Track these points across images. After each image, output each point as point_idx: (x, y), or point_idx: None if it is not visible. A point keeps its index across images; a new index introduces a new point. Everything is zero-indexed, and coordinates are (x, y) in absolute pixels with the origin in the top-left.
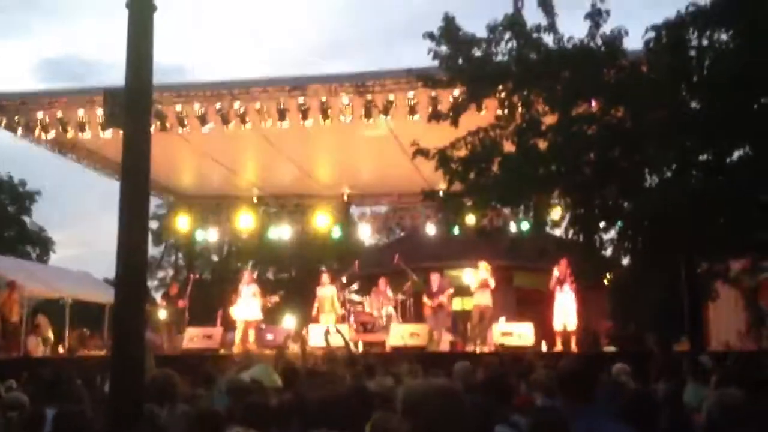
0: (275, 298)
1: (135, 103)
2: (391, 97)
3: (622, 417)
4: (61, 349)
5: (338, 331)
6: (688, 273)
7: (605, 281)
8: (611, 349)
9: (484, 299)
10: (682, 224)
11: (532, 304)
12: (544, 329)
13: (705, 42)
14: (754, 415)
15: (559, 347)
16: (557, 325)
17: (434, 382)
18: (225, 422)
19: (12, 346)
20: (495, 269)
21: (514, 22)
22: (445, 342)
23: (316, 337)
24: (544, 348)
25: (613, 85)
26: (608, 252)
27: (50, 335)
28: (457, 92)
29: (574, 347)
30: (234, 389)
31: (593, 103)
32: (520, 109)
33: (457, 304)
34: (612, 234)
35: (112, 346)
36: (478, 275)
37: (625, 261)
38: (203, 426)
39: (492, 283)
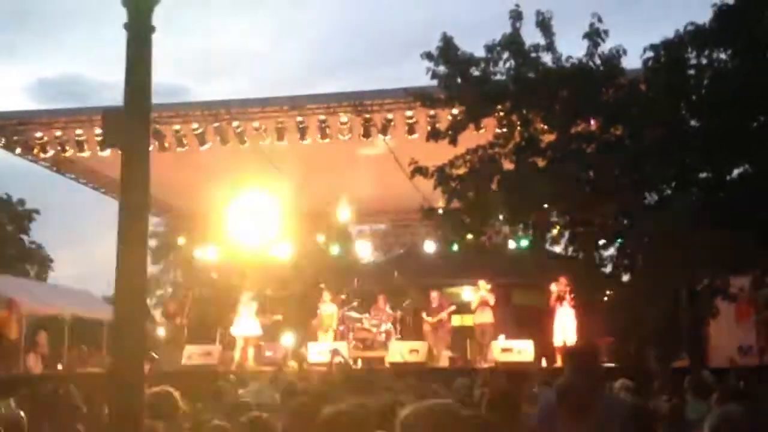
0: (277, 317)
1: (134, 123)
2: (390, 116)
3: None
4: (59, 366)
5: (337, 352)
6: (688, 290)
7: (605, 298)
8: (611, 365)
9: (485, 317)
10: (681, 241)
11: (531, 322)
12: (543, 346)
13: (704, 61)
14: (755, 430)
15: (559, 363)
16: (557, 341)
17: (433, 402)
18: None
19: (11, 363)
20: (494, 287)
21: (512, 42)
22: (444, 358)
23: (314, 355)
24: (543, 364)
25: (612, 103)
26: (608, 269)
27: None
28: (455, 111)
29: None
30: (236, 406)
31: (592, 122)
32: (518, 128)
33: (456, 320)
34: (611, 251)
35: (110, 364)
36: (478, 293)
37: (625, 278)
38: None
39: (492, 301)
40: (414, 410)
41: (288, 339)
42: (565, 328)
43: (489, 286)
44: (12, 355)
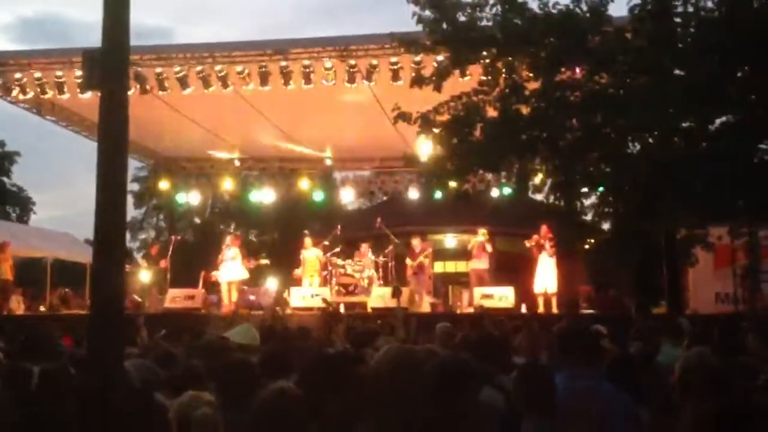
0: (264, 260)
1: (112, 63)
2: (375, 62)
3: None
4: (42, 308)
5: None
6: (667, 238)
7: (586, 246)
8: (590, 311)
9: (481, 264)
10: (662, 190)
11: (513, 269)
12: (524, 293)
13: (690, 9)
14: (723, 372)
15: (540, 310)
16: (538, 288)
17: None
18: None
19: (3, 304)
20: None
21: None
22: (426, 304)
23: (297, 300)
24: (524, 310)
25: (598, 51)
26: (589, 217)
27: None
28: (440, 57)
29: (554, 310)
30: (207, 347)
31: (577, 70)
32: (503, 75)
33: (439, 267)
34: (593, 199)
35: (91, 304)
36: (476, 240)
37: (606, 226)
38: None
39: (489, 248)
40: (378, 356)
41: (271, 284)
42: (546, 275)
43: (487, 234)
44: (4, 295)
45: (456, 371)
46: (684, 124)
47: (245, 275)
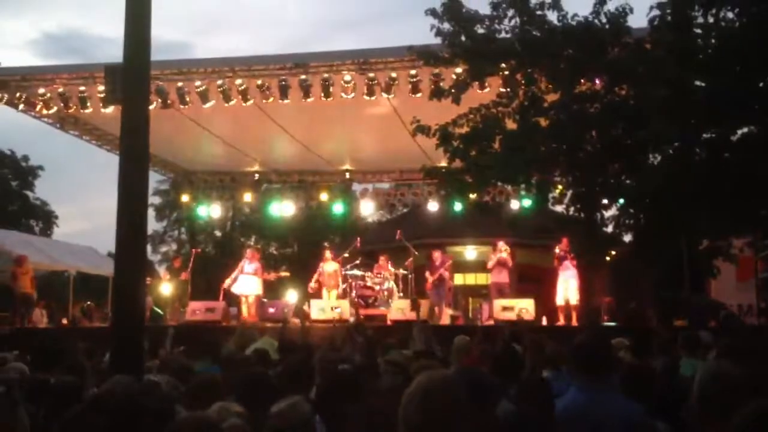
0: (284, 272)
1: (133, 78)
2: (394, 74)
3: (620, 389)
4: (65, 321)
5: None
6: (689, 250)
7: (607, 258)
8: (611, 324)
9: (501, 277)
10: (683, 201)
11: (533, 281)
12: (545, 305)
13: (710, 20)
14: (745, 384)
15: (561, 322)
16: (559, 300)
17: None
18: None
19: (27, 317)
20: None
21: None
22: (446, 317)
23: (317, 312)
24: (544, 323)
25: (617, 62)
26: (609, 229)
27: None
28: (459, 70)
29: (575, 322)
30: (229, 360)
31: (596, 82)
32: (522, 87)
33: (459, 279)
34: (613, 211)
35: (112, 315)
36: (496, 254)
37: (627, 238)
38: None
39: (510, 263)
40: (414, 385)
41: (291, 296)
42: (568, 287)
43: (508, 248)
44: (27, 309)
45: (476, 386)
46: (705, 135)
47: (259, 291)
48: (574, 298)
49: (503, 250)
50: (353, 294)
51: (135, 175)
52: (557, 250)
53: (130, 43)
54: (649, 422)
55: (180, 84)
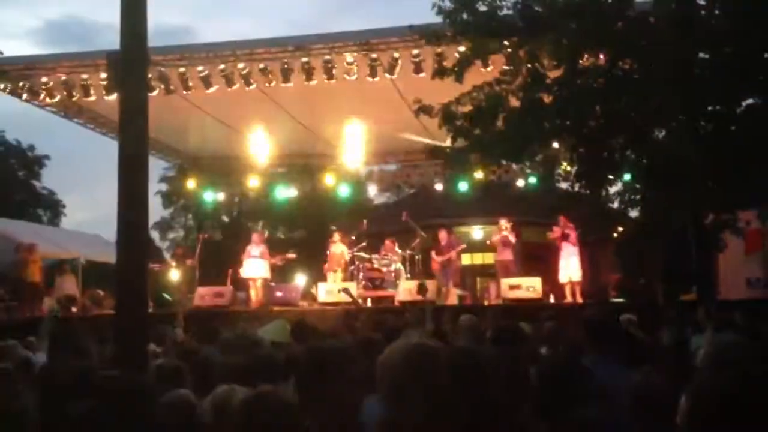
0: (292, 255)
1: (130, 63)
2: (396, 54)
3: (629, 364)
4: (74, 309)
5: (346, 290)
6: (695, 223)
7: (614, 234)
8: (619, 300)
9: (506, 255)
10: (689, 175)
11: (540, 259)
12: (552, 283)
13: None
14: (748, 358)
15: (568, 299)
16: (562, 277)
17: (407, 342)
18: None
19: (35, 306)
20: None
21: None
22: (453, 297)
23: (324, 295)
24: (552, 300)
25: (621, 36)
26: (615, 205)
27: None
28: (461, 48)
29: (579, 299)
30: (237, 344)
31: (600, 56)
32: (525, 64)
33: (467, 259)
34: (618, 187)
35: (116, 300)
36: (499, 233)
37: (633, 213)
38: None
39: (512, 239)
40: (389, 350)
41: (299, 280)
42: (569, 264)
43: (509, 225)
44: (36, 297)
45: (467, 364)
46: (710, 108)
47: (267, 274)
48: (577, 275)
49: (504, 228)
50: (360, 276)
51: (135, 162)
52: (556, 229)
53: (127, 31)
54: (656, 393)
55: (182, 69)
